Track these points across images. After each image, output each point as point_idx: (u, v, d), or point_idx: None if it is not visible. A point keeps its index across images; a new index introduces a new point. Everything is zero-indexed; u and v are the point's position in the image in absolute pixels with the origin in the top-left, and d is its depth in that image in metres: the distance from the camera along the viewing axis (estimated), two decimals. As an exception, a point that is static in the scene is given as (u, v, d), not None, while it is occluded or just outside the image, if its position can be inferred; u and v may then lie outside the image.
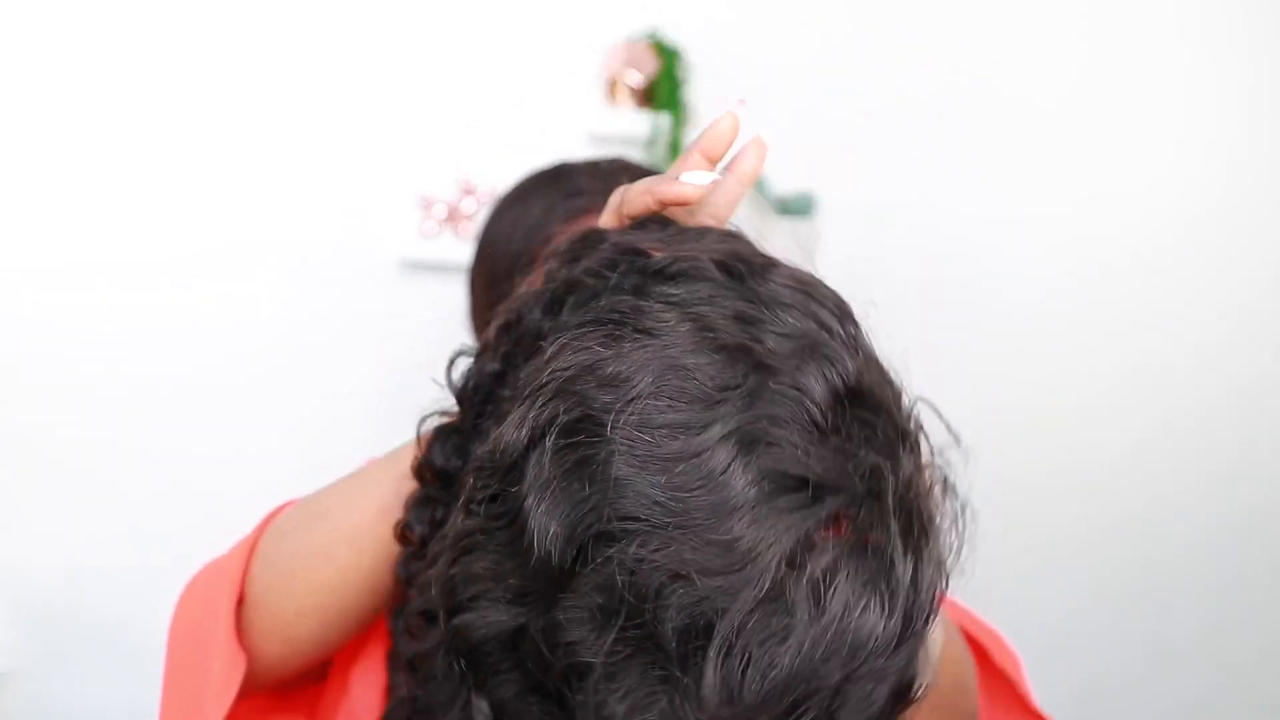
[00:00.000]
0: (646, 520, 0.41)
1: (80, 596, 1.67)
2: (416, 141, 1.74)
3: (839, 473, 0.43)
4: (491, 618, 0.44)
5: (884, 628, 0.41)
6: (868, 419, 0.45)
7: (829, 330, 0.47)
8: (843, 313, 0.49)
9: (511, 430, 0.45)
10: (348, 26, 1.73)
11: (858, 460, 0.43)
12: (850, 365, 0.45)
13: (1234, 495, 1.99)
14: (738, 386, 0.43)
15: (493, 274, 0.91)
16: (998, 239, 1.89)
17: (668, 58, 1.75)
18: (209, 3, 1.69)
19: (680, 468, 0.42)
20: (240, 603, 0.64)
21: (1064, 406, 1.93)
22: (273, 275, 1.71)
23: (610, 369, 0.44)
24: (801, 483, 0.42)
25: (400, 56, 1.74)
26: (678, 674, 0.40)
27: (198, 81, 1.69)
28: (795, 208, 1.79)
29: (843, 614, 0.40)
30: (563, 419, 0.44)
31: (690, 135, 1.77)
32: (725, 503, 0.41)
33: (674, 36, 1.77)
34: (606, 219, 0.59)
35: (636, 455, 0.42)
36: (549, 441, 0.44)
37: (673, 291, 0.47)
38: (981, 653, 0.67)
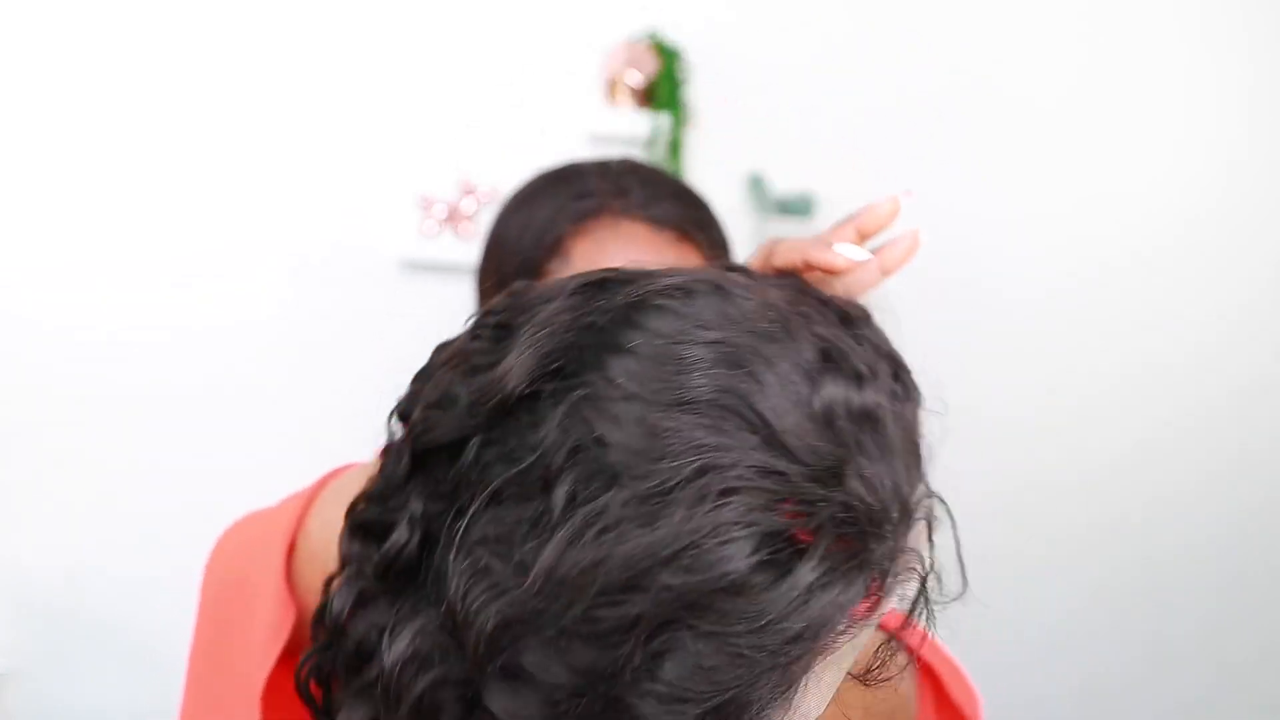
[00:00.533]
0: (605, 376, 0.42)
1: (80, 597, 1.67)
2: (416, 141, 1.74)
3: (804, 447, 0.42)
4: (448, 422, 0.45)
5: (745, 577, 0.39)
6: (866, 446, 0.44)
7: (880, 379, 0.47)
8: (910, 394, 0.49)
9: (559, 282, 0.48)
10: (348, 27, 1.73)
11: (831, 455, 0.43)
12: (877, 399, 0.45)
13: (1234, 495, 1.99)
14: (759, 324, 0.45)
15: (501, 275, 0.91)
16: (998, 239, 1.89)
17: (668, 58, 1.75)
18: (209, 3, 1.69)
19: (660, 343, 0.43)
20: (289, 554, 0.63)
21: (1064, 406, 1.93)
22: (273, 275, 1.71)
23: (674, 274, 0.47)
24: (761, 425, 0.42)
25: (400, 56, 1.74)
26: (544, 527, 0.41)
27: (198, 82, 1.69)
28: (795, 208, 1.79)
29: (708, 533, 0.39)
30: (598, 277, 0.46)
31: (690, 135, 1.77)
32: (680, 392, 0.42)
33: (674, 36, 1.77)
34: (752, 262, 0.61)
35: (630, 320, 0.44)
36: (572, 287, 0.46)
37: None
38: (936, 684, 0.65)
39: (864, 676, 0.47)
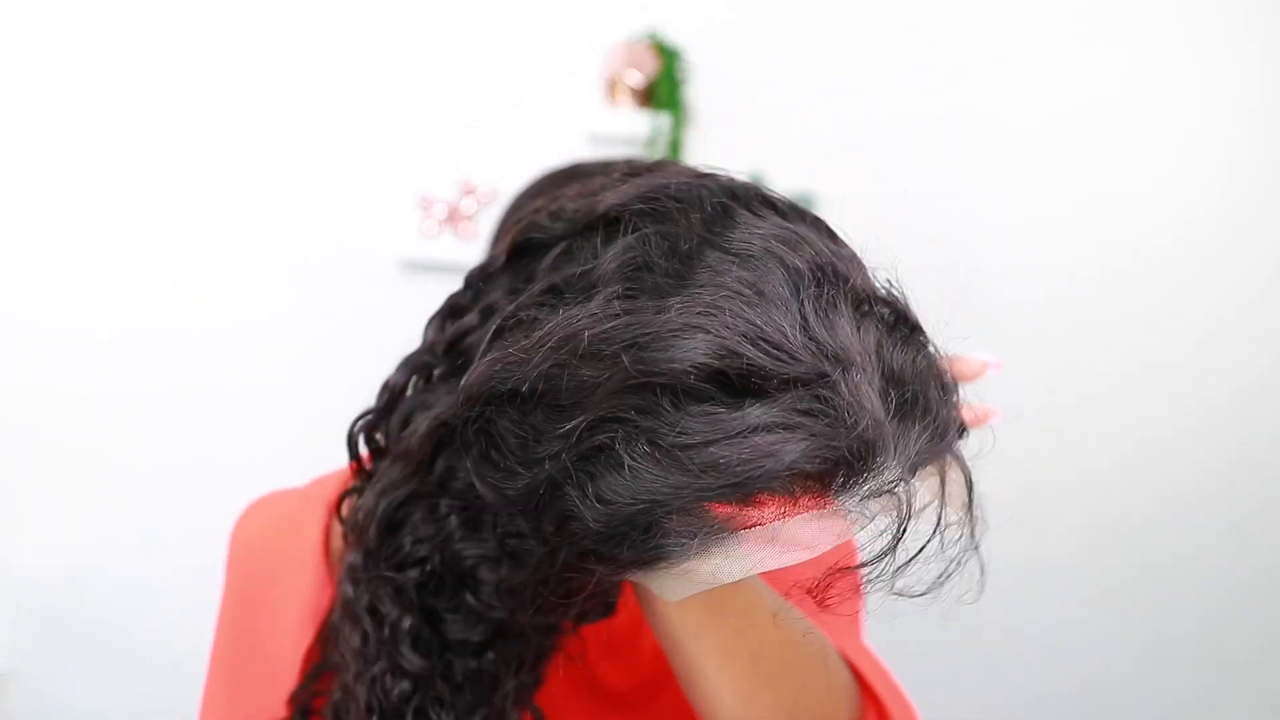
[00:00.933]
0: (685, 221, 0.48)
1: (80, 597, 1.67)
2: (416, 141, 1.74)
3: (823, 330, 0.44)
4: (548, 226, 0.53)
5: (696, 380, 0.41)
6: (887, 384, 0.45)
7: (926, 356, 0.49)
8: (953, 405, 0.50)
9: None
10: (348, 27, 1.73)
11: (844, 353, 0.43)
12: (914, 363, 0.47)
13: (1234, 496, 1.99)
14: (841, 252, 0.50)
15: None
16: (998, 239, 1.89)
17: (668, 58, 1.75)
18: (210, 4, 1.69)
19: (746, 215, 0.49)
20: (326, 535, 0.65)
21: (1064, 407, 1.93)
22: (273, 275, 1.71)
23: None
24: (791, 296, 0.44)
25: (400, 56, 1.74)
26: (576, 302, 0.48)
27: (198, 82, 1.69)
28: (795, 208, 1.79)
29: (678, 328, 0.42)
30: (729, 174, 0.54)
31: (690, 135, 1.77)
32: (735, 245, 0.47)
33: (674, 36, 1.77)
34: None
35: (735, 195, 0.50)
36: (706, 169, 0.53)
37: None
38: (879, 710, 0.65)
39: (812, 595, 0.47)
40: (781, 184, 2.00)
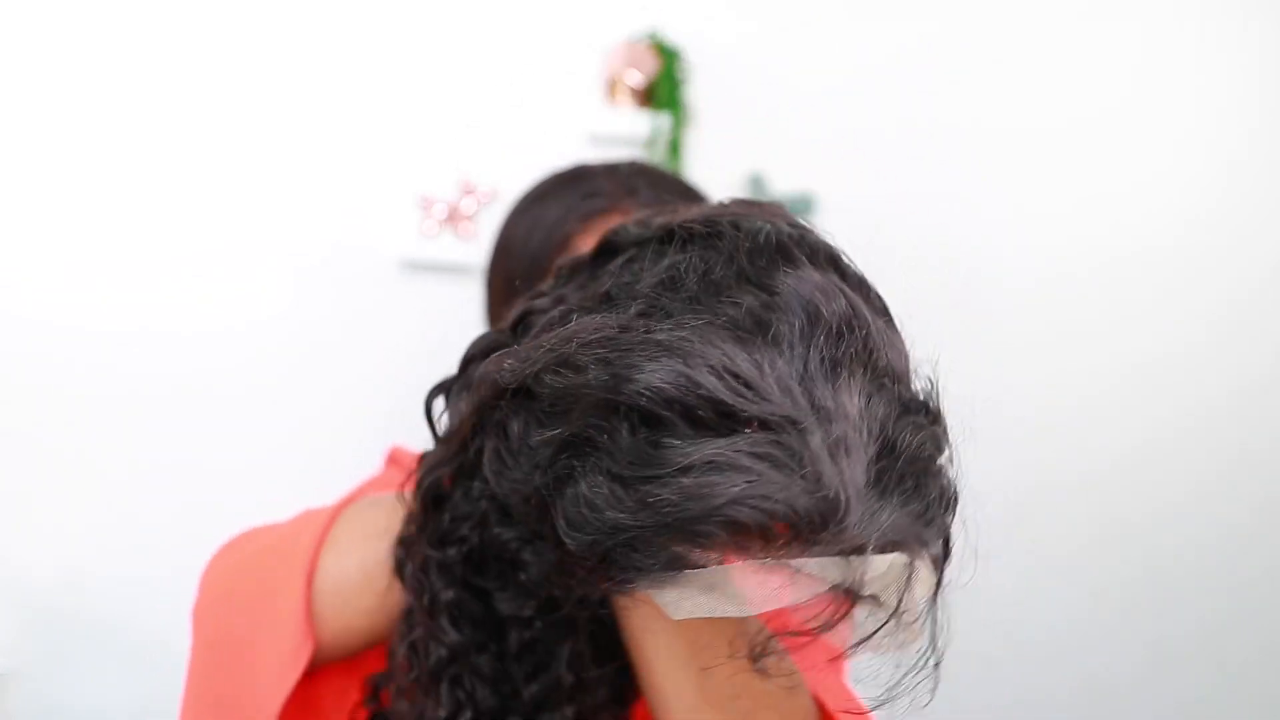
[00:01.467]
0: (733, 246, 0.48)
1: (80, 597, 1.67)
2: (416, 141, 1.74)
3: (817, 382, 0.42)
4: (628, 236, 0.54)
5: (655, 404, 0.40)
6: (870, 459, 0.42)
7: (930, 449, 0.47)
8: (951, 501, 0.48)
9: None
10: (348, 27, 1.73)
11: (826, 410, 0.41)
12: (918, 447, 0.45)
13: (1234, 496, 1.99)
14: (878, 321, 0.48)
15: (510, 274, 0.91)
16: (998, 239, 1.89)
17: (668, 58, 1.75)
18: (210, 3, 1.69)
19: (796, 249, 0.48)
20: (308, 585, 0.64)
21: (1063, 408, 1.93)
22: (273, 275, 1.71)
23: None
24: (799, 343, 0.43)
25: (400, 57, 1.74)
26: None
27: (198, 82, 1.69)
28: (795, 208, 1.79)
29: (647, 351, 0.42)
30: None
31: (690, 135, 1.77)
32: (767, 280, 0.46)
33: (674, 36, 1.77)
34: None
35: (804, 239, 0.50)
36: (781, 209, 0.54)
37: None
38: None
39: (751, 656, 0.45)
40: (781, 184, 2.00)
